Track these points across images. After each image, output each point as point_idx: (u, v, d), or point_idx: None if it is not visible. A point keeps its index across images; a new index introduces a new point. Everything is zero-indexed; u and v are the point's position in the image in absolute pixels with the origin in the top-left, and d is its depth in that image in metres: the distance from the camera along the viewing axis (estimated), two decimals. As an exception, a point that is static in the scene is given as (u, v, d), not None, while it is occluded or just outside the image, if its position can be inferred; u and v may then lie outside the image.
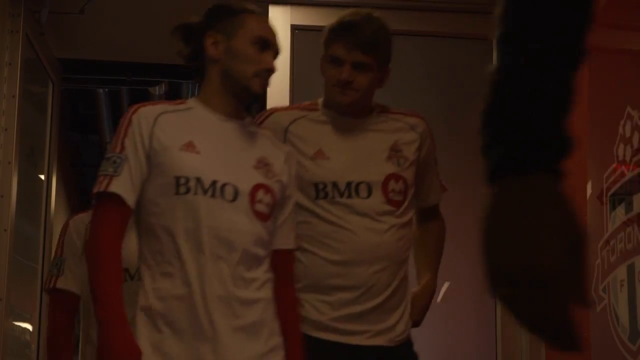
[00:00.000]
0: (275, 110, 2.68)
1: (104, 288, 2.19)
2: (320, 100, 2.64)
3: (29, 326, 4.26)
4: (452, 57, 3.98)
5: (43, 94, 4.39)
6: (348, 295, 2.48)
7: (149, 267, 2.25)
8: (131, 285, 2.57)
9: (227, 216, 2.28)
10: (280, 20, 3.81)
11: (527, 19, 1.09)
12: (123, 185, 2.24)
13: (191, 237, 2.24)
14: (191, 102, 2.40)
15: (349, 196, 2.54)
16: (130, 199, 2.25)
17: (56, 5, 4.11)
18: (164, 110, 2.35)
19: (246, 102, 2.40)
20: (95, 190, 2.27)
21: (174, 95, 5.91)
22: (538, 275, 1.01)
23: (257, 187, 2.32)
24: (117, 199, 2.23)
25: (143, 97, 6.07)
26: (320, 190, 2.53)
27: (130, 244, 2.45)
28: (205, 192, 2.27)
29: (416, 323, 2.62)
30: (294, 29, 3.88)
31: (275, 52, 2.39)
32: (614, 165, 2.90)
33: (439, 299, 3.58)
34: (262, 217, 2.32)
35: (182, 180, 2.26)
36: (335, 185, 2.54)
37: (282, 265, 2.38)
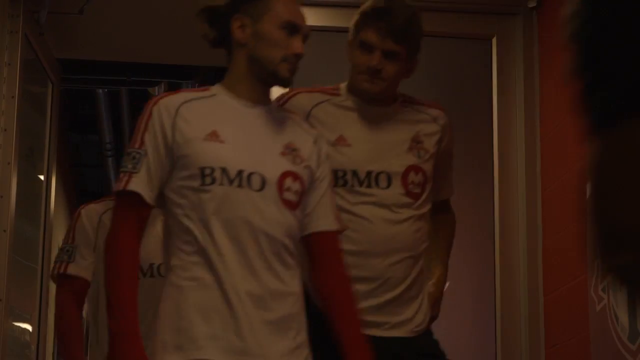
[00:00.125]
0: (298, 91, 2.61)
1: (120, 298, 2.18)
2: (343, 85, 2.59)
3: (28, 327, 4.26)
4: (452, 57, 3.98)
5: (42, 95, 4.39)
6: (364, 287, 2.44)
7: (179, 258, 2.21)
8: (143, 282, 2.56)
9: (255, 206, 2.22)
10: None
11: None
12: (142, 183, 2.22)
13: (218, 229, 2.20)
14: (215, 89, 2.34)
15: (369, 185, 2.50)
16: (149, 196, 2.22)
17: (55, 6, 4.11)
18: (185, 99, 2.30)
19: (271, 87, 2.34)
20: (115, 188, 2.25)
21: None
22: None
23: (284, 175, 2.27)
24: (136, 196, 2.21)
25: (142, 98, 6.07)
26: (339, 178, 2.48)
27: (144, 240, 2.44)
28: (231, 182, 2.22)
29: (434, 317, 2.59)
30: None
31: (305, 36, 2.32)
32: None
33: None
34: (290, 205, 2.27)
35: (207, 171, 2.21)
36: (355, 173, 2.51)
37: (328, 246, 2.33)
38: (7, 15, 3.72)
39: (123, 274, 2.19)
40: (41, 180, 4.38)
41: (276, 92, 2.45)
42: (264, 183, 2.24)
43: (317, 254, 2.32)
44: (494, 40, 3.85)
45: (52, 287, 3.44)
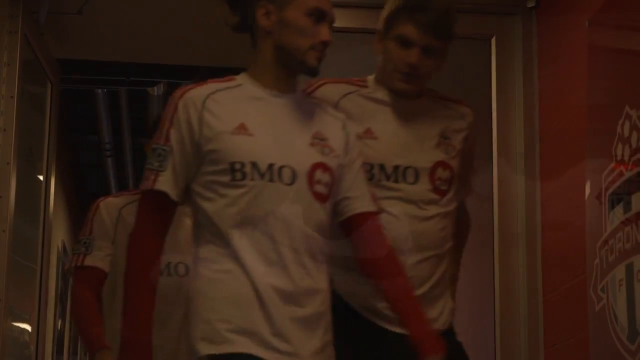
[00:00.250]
0: (325, 82, 2.52)
1: (135, 306, 2.16)
2: (370, 77, 2.52)
3: (27, 327, 4.26)
4: (452, 57, 3.98)
5: (41, 95, 4.39)
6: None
7: (209, 250, 2.18)
8: (160, 280, 2.54)
9: (286, 200, 2.17)
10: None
11: None
12: (168, 182, 2.19)
13: (249, 225, 2.15)
14: (241, 78, 2.28)
15: (395, 180, 2.44)
16: (176, 194, 2.19)
17: (54, 6, 4.11)
18: (212, 91, 2.24)
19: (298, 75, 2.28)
20: (141, 187, 2.21)
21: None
22: None
23: (315, 167, 2.21)
24: (162, 195, 2.18)
25: (142, 98, 6.07)
26: (366, 172, 2.39)
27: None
28: (262, 176, 2.17)
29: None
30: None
31: (331, 22, 2.25)
32: (613, 164, 2.90)
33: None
34: (321, 198, 2.22)
35: (237, 166, 2.17)
36: (382, 167, 2.44)
37: (370, 225, 2.29)
38: (7, 16, 3.72)
39: (142, 282, 2.17)
40: (40, 180, 4.38)
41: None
42: (294, 176, 2.20)
43: (359, 234, 2.28)
44: (493, 40, 3.85)
45: (52, 287, 3.45)
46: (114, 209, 3.06)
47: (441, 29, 2.42)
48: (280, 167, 2.19)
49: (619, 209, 2.86)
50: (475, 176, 2.68)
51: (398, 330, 2.35)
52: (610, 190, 2.92)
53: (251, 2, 2.26)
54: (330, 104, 2.41)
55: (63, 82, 4.73)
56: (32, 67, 4.11)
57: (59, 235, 7.02)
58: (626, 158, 2.84)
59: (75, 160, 7.75)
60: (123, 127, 6.71)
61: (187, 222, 2.41)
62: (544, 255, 3.59)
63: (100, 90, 6.01)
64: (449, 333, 2.49)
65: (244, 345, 2.12)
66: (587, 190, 3.06)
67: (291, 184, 2.20)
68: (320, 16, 2.24)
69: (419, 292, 2.41)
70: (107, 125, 6.64)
